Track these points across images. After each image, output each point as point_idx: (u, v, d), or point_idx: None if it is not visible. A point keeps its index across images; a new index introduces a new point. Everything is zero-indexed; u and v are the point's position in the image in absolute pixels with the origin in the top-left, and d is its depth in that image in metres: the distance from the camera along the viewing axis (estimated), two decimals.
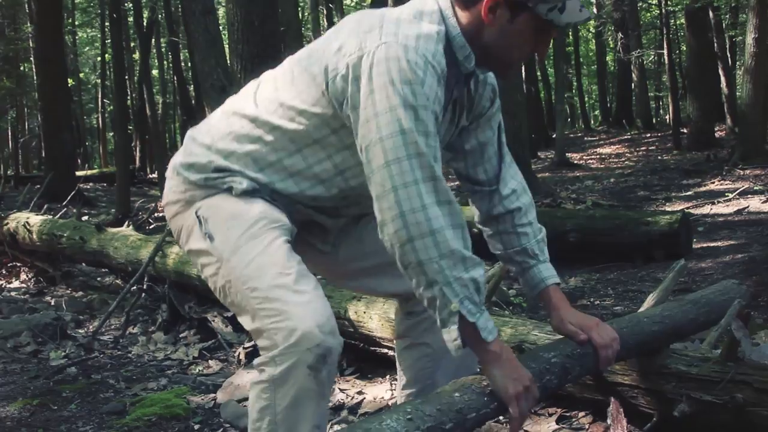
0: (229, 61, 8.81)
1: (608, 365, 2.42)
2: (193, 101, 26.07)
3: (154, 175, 22.50)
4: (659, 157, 18.73)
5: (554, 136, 22.40)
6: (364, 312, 3.98)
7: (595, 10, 31.61)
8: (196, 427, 3.56)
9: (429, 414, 1.99)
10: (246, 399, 3.81)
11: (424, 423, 1.96)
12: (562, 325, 2.41)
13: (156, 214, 10.58)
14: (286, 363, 2.03)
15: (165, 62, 32.03)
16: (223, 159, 2.29)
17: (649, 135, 25.25)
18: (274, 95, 2.28)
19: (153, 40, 27.94)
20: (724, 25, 22.17)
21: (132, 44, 25.48)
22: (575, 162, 19.61)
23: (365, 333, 3.99)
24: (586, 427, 2.96)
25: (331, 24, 27.56)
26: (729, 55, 22.79)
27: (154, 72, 31.97)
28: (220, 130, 2.34)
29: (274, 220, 2.23)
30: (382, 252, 2.16)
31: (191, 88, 28.10)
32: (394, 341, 2.78)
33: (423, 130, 2.03)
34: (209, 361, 4.70)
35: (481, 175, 2.49)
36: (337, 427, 3.36)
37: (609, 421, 2.70)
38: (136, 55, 25.31)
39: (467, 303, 2.04)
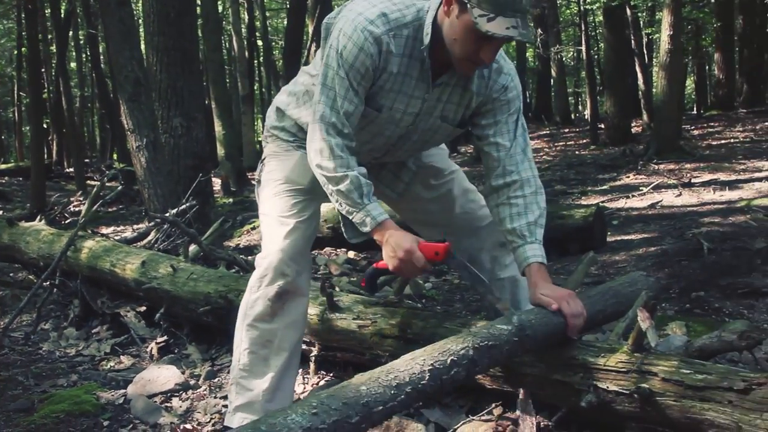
0: (144, 54, 8.70)
1: (576, 333, 2.73)
2: (111, 95, 25.63)
3: (71, 169, 22.05)
4: (577, 152, 18.96)
5: None
6: None
7: None
8: (105, 423, 3.51)
9: (335, 408, 2.00)
10: (157, 394, 3.78)
11: (330, 417, 1.97)
12: (534, 297, 2.79)
13: (71, 208, 10.34)
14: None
15: (83, 55, 31.48)
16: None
17: (567, 130, 25.56)
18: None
19: (71, 32, 27.42)
20: (641, 22, 22.54)
21: (49, 36, 24.89)
22: None
23: None
24: (496, 418, 2.98)
25: (252, 18, 27.38)
26: (645, 52, 23.17)
27: (73, 65, 31.38)
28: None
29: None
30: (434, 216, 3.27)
31: (110, 81, 27.64)
32: None
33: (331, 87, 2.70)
34: (121, 356, 4.63)
35: (492, 151, 2.97)
36: None
37: (518, 412, 2.74)
38: (54, 47, 24.74)
39: (345, 206, 2.75)
